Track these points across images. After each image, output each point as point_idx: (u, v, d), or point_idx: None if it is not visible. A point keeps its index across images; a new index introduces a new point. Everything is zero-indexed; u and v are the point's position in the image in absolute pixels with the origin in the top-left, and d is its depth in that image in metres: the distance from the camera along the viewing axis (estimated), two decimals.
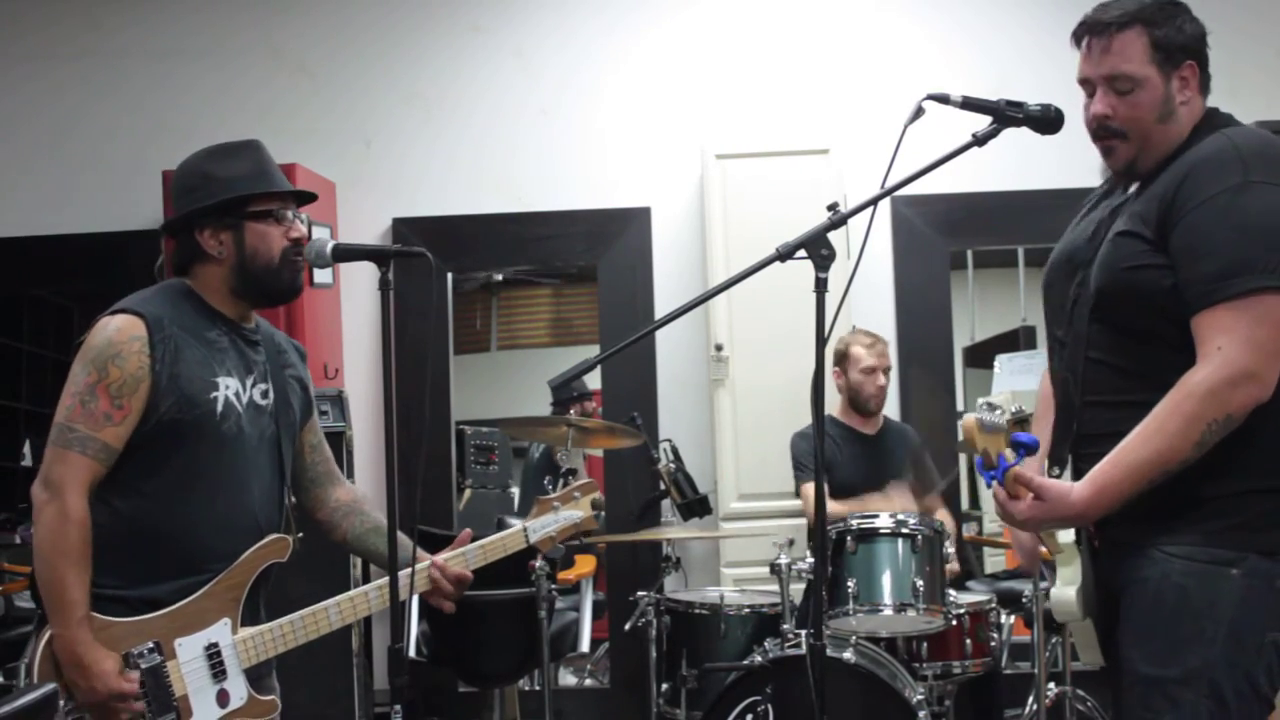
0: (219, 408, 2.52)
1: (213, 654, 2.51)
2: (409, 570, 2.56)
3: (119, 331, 2.47)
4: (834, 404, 4.63)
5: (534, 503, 2.87)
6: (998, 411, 2.15)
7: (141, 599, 2.47)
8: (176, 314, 2.54)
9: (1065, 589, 2.36)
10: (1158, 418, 2.12)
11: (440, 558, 2.70)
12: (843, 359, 4.58)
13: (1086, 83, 2.31)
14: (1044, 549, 2.47)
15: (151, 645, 2.45)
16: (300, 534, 2.71)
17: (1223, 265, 2.11)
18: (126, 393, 2.44)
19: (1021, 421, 4.12)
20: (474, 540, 2.76)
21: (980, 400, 2.15)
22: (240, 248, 2.58)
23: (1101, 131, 2.30)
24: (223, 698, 2.51)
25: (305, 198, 2.71)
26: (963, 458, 5.50)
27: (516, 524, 2.83)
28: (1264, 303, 2.10)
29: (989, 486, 2.19)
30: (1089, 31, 2.29)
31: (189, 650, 2.48)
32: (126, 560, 2.47)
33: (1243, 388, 2.09)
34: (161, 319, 2.50)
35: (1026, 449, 2.15)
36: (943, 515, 4.43)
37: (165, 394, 2.47)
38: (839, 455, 4.54)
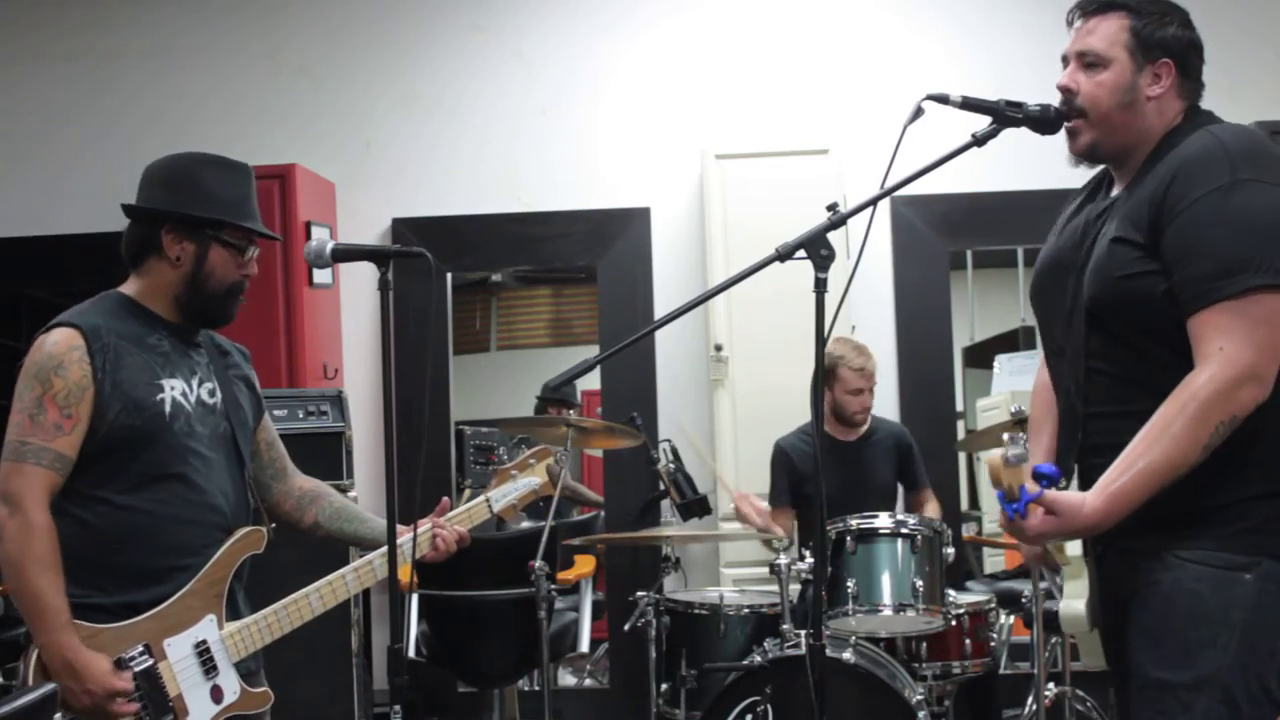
0: (167, 408, 2.54)
1: (202, 651, 2.52)
2: (379, 552, 2.61)
3: (57, 345, 2.49)
4: None
5: (493, 474, 2.90)
6: (1019, 443, 2.13)
7: (120, 604, 2.48)
8: (114, 322, 2.55)
9: (1074, 601, 2.35)
10: (1164, 420, 2.09)
11: (436, 520, 2.77)
12: (830, 376, 4.47)
13: (1065, 60, 2.34)
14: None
15: (141, 648, 2.45)
16: (273, 524, 2.75)
17: (1218, 265, 2.10)
18: (73, 401, 2.46)
19: (1020, 422, 4.16)
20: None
21: (1005, 435, 2.12)
22: (199, 263, 2.60)
23: (1065, 108, 2.31)
24: (216, 693, 2.53)
25: (269, 238, 2.74)
26: (961, 457, 5.51)
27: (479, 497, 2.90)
28: (1262, 301, 2.08)
29: (1011, 519, 2.15)
30: (1077, 10, 2.34)
31: (179, 649, 2.50)
32: (98, 570, 2.48)
33: (1247, 387, 2.08)
34: (98, 328, 2.52)
35: (1050, 480, 2.12)
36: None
37: (111, 401, 2.48)
38: (813, 468, 4.50)
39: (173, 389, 2.56)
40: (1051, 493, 2.14)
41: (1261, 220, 2.11)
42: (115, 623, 2.45)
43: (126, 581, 2.49)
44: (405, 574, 2.68)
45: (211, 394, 2.65)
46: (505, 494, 2.90)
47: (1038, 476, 2.12)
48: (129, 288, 2.65)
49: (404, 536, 2.67)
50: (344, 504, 2.87)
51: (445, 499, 2.86)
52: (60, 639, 2.38)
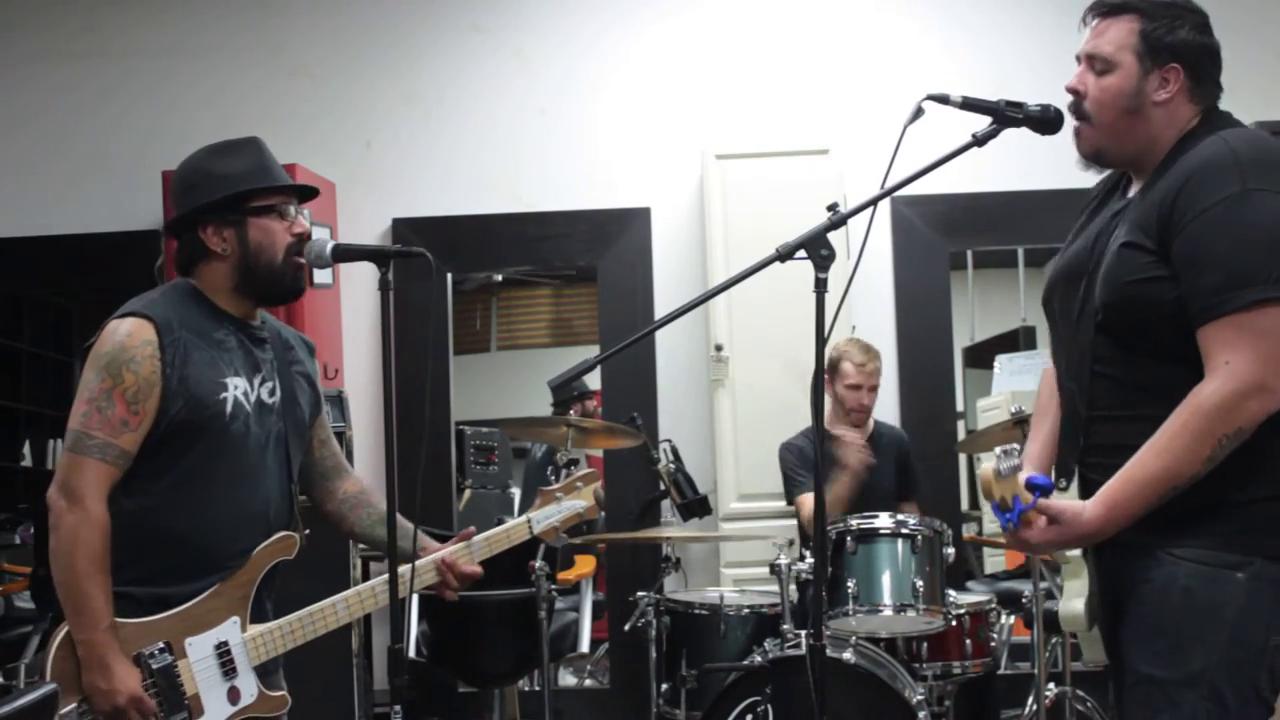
0: (228, 408, 2.52)
1: (223, 652, 2.52)
2: (410, 566, 2.56)
3: (130, 335, 2.46)
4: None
5: (537, 494, 2.87)
6: (1012, 455, 2.14)
7: (151, 597, 2.48)
8: (184, 315, 2.53)
9: (1073, 601, 2.36)
10: (1167, 433, 2.11)
11: (446, 552, 2.70)
12: (833, 370, 4.51)
13: (1078, 60, 2.34)
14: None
15: (162, 645, 2.45)
16: (307, 530, 2.71)
17: (1225, 278, 2.10)
18: (142, 398, 2.44)
19: (1020, 422, 4.16)
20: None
21: (997, 449, 2.14)
22: (244, 244, 2.57)
23: (1073, 109, 2.31)
24: (233, 695, 2.52)
25: (307, 193, 2.71)
26: (962, 458, 5.51)
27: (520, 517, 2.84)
28: (1269, 315, 2.08)
29: (1004, 529, 2.18)
30: (1091, 10, 2.33)
31: (199, 649, 2.49)
32: (137, 560, 2.47)
33: (1253, 400, 2.08)
34: (170, 321, 2.50)
35: (1042, 490, 2.15)
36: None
37: (175, 397, 2.47)
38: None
39: (235, 388, 2.54)
40: (1053, 501, 2.17)
41: (1270, 232, 2.10)
42: (141, 617, 2.45)
43: (162, 576, 2.49)
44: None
45: (271, 393, 2.62)
46: (548, 515, 2.83)
47: (1031, 487, 2.15)
48: (195, 282, 2.62)
49: (420, 560, 2.61)
50: (384, 514, 2.75)
51: (472, 529, 2.77)
52: (103, 638, 2.37)
